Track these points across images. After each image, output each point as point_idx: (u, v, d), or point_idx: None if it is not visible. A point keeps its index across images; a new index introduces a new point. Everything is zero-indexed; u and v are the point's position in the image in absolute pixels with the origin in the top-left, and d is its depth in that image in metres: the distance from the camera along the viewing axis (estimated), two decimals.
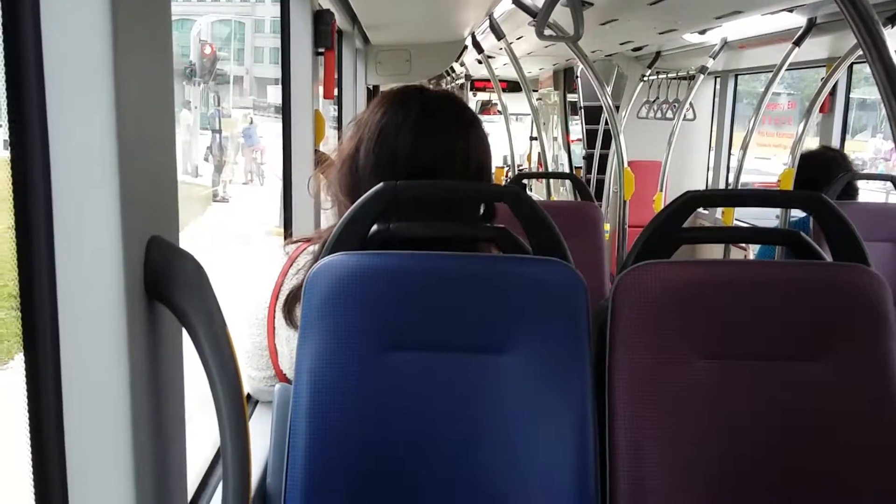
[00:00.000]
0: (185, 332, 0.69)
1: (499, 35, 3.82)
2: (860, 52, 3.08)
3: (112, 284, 0.62)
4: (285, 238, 2.03)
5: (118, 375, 0.63)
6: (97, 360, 0.63)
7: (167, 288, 0.66)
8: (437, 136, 1.23)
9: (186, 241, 0.72)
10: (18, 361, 0.62)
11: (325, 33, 2.10)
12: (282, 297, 1.22)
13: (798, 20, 3.12)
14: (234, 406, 0.68)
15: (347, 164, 1.27)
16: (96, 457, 0.64)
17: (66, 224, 0.60)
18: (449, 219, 1.23)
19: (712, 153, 5.31)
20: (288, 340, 1.22)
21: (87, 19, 0.58)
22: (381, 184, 1.15)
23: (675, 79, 4.91)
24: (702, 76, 4.43)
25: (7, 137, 0.59)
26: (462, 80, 8.44)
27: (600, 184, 5.85)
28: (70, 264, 0.61)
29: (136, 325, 0.64)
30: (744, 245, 4.03)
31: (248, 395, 1.38)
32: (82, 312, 0.62)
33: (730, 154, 5.11)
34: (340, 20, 3.06)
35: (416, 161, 1.22)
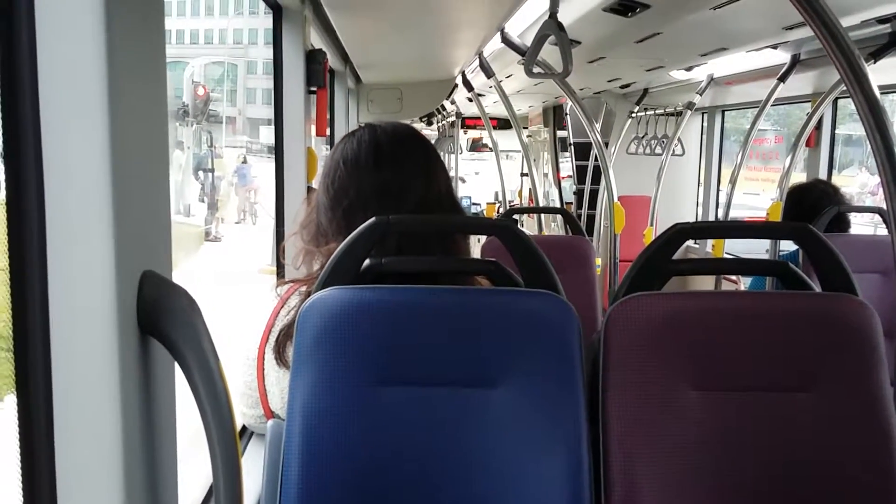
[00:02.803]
0: (177, 367, 0.69)
1: (488, 73, 3.88)
2: (844, 87, 3.15)
3: (105, 319, 0.62)
4: (278, 277, 2.03)
5: (111, 411, 0.63)
6: (90, 395, 0.62)
7: (160, 322, 0.66)
8: (377, 168, 1.27)
9: (178, 281, 0.72)
10: (9, 402, 0.62)
11: (317, 72, 2.13)
12: (272, 338, 1.22)
13: (782, 56, 3.18)
14: (226, 442, 0.67)
15: (313, 212, 1.32)
16: (88, 493, 0.63)
17: (60, 258, 0.60)
18: (423, 252, 1.24)
19: (701, 189, 5.36)
20: (278, 381, 1.22)
21: (83, 57, 0.59)
22: (373, 218, 1.15)
23: (662, 115, 4.97)
24: (689, 112, 4.49)
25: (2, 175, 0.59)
26: (453, 118, 8.52)
27: (591, 219, 5.89)
28: (63, 298, 0.61)
29: (129, 359, 0.64)
30: (734, 278, 4.05)
31: (244, 427, 1.38)
32: (75, 347, 0.61)
33: (718, 189, 5.16)
34: (332, 60, 3.10)
35: (360, 191, 1.26)
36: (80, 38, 0.59)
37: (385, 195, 1.25)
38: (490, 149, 6.01)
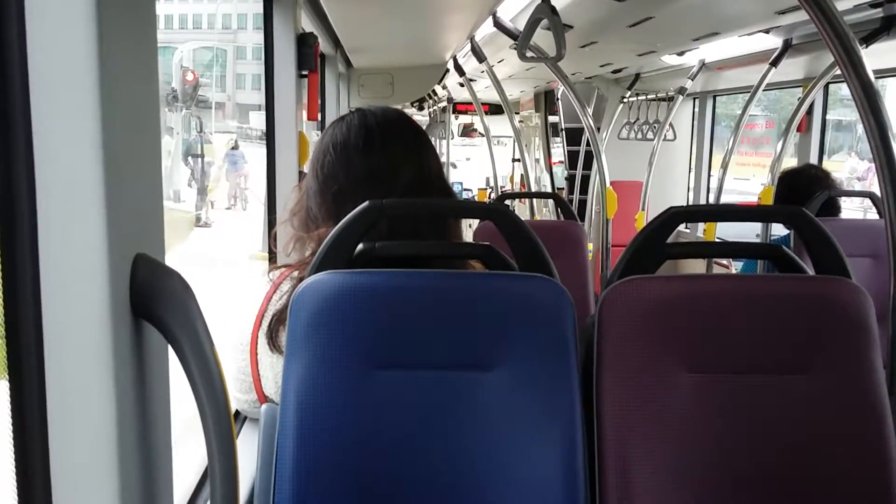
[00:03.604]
0: (171, 351, 0.68)
1: (480, 58, 3.86)
2: (835, 72, 3.15)
3: (98, 302, 0.61)
4: (269, 262, 2.02)
5: (104, 395, 0.62)
6: (83, 379, 0.62)
7: (153, 306, 0.66)
8: (367, 152, 1.26)
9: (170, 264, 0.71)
10: (2, 386, 0.61)
11: (308, 56, 2.11)
12: (265, 323, 1.22)
13: (774, 41, 3.18)
14: (221, 425, 0.67)
15: (303, 198, 1.31)
16: (82, 478, 0.63)
17: (52, 241, 0.59)
18: (414, 236, 1.24)
19: (692, 174, 5.37)
20: (272, 365, 1.21)
21: (74, 40, 0.58)
22: (366, 202, 1.15)
23: (654, 100, 4.97)
24: (681, 97, 4.49)
25: None
26: (444, 104, 8.50)
27: (582, 204, 5.90)
28: (55, 282, 0.60)
29: (123, 343, 0.64)
30: (726, 263, 4.07)
31: (237, 412, 1.37)
32: (68, 331, 0.61)
33: (709, 174, 5.17)
34: (323, 44, 3.08)
35: (349, 175, 1.25)
36: (71, 20, 0.58)
37: (375, 179, 1.24)
38: (481, 134, 6.01)
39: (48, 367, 0.61)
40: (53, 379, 0.61)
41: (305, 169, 2.11)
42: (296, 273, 1.24)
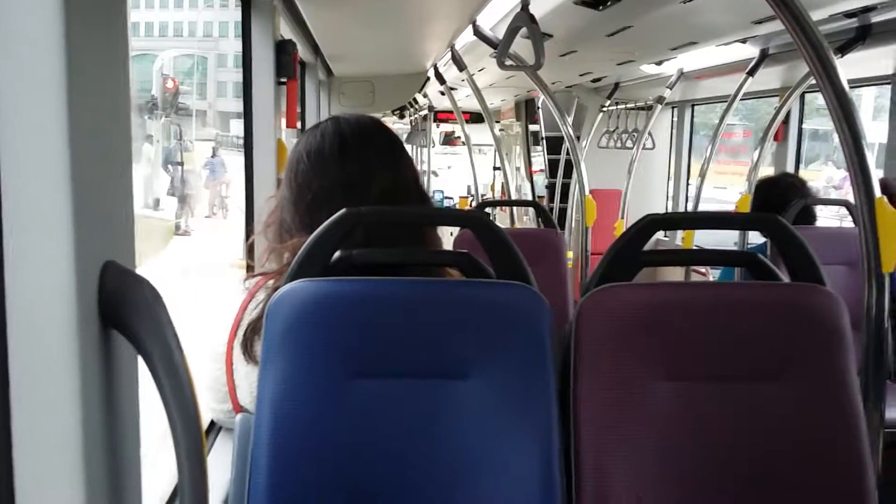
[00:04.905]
0: (141, 361, 0.67)
1: (461, 66, 3.87)
2: (811, 82, 3.19)
3: (65, 311, 0.60)
4: (248, 270, 2.01)
5: (71, 407, 0.61)
6: (49, 391, 0.60)
7: (123, 315, 0.64)
8: (342, 159, 1.25)
9: (146, 274, 0.70)
10: None
11: (287, 63, 2.10)
12: (240, 333, 1.20)
13: (751, 51, 3.21)
14: (191, 437, 0.66)
15: (277, 209, 1.30)
16: (47, 494, 0.61)
17: (16, 248, 0.58)
18: (391, 244, 1.23)
19: (671, 182, 5.41)
20: (247, 375, 1.20)
21: (41, 42, 0.57)
22: (343, 210, 1.14)
23: (633, 109, 5.01)
24: (659, 106, 4.53)
25: None
26: (425, 112, 8.50)
27: (562, 212, 5.92)
28: (20, 290, 0.59)
29: (91, 353, 0.62)
30: (703, 271, 4.10)
31: (213, 423, 1.36)
32: (33, 340, 0.59)
33: (688, 183, 5.22)
34: (303, 52, 3.07)
35: (324, 183, 1.24)
36: (39, 24, 0.57)
37: (350, 187, 1.23)
38: (462, 142, 6.02)
39: (12, 377, 0.59)
40: (18, 390, 0.59)
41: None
42: (271, 282, 1.23)
